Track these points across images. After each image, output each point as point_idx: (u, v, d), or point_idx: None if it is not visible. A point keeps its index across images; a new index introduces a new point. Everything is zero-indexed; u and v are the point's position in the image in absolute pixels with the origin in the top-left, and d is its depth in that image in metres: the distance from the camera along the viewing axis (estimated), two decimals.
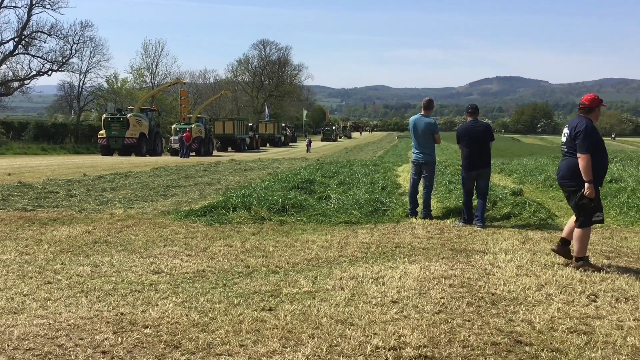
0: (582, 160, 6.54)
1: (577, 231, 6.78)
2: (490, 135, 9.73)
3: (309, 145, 54.67)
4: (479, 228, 9.36)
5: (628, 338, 4.51)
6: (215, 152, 47.42)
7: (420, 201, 10.53)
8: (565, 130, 6.89)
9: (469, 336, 4.52)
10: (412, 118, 10.57)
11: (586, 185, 6.54)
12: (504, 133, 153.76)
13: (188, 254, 7.48)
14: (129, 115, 41.58)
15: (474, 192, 9.81)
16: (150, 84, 78.83)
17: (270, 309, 5.20)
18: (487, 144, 9.68)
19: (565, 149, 6.85)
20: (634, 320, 4.94)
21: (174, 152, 41.98)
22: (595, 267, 6.64)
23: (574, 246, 6.83)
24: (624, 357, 4.14)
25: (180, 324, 4.80)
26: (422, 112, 10.38)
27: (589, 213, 6.68)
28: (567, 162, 6.82)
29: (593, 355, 4.16)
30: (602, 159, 6.70)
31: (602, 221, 6.95)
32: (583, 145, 6.53)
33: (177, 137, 41.35)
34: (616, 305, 5.37)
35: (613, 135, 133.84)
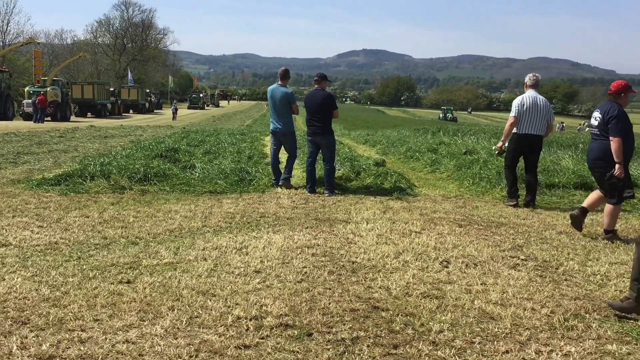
0: (614, 143, 6.90)
1: (608, 207, 7.18)
2: (330, 105, 9.97)
3: (174, 112, 53.24)
4: (327, 195, 9.60)
5: (475, 301, 4.80)
6: (73, 118, 44.89)
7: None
8: (597, 114, 7.19)
9: (329, 304, 4.61)
10: (269, 88, 10.54)
11: (617, 166, 6.91)
12: (369, 105, 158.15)
13: (39, 225, 7.03)
14: None
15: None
16: (1, 43, 73.02)
17: (128, 282, 5.02)
18: (327, 112, 9.92)
19: (597, 132, 7.16)
20: (481, 284, 5.26)
21: (26, 117, 39.20)
22: (620, 239, 7.09)
23: (605, 220, 7.22)
24: (470, 319, 4.40)
25: (29, 299, 4.51)
26: (279, 82, 10.38)
27: (619, 191, 7.09)
28: (600, 144, 7.12)
29: (443, 318, 4.39)
30: (630, 141, 7.10)
31: (632, 196, 7.47)
32: (615, 129, 6.90)
33: (30, 101, 38.68)
34: (466, 270, 5.69)
35: (469, 110, 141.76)
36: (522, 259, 6.13)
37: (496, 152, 10.25)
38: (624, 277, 5.62)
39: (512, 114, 9.15)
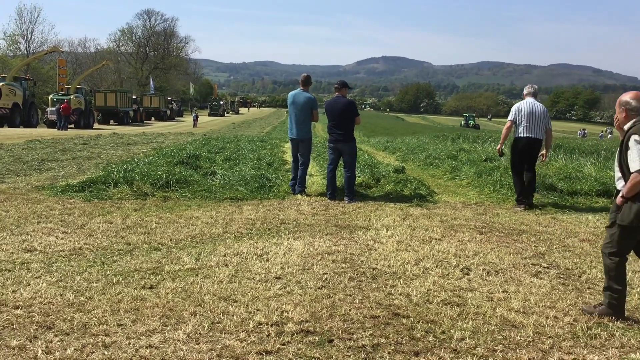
0: None
1: None
2: (352, 112, 9.96)
3: (195, 119, 53.58)
4: (347, 202, 9.61)
5: (497, 309, 4.78)
6: (95, 125, 45.42)
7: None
8: None
9: (350, 310, 4.62)
10: (291, 93, 10.56)
11: None
12: (388, 112, 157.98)
13: (64, 231, 7.14)
14: (0, 84, 38.90)
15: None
16: (25, 52, 74.08)
17: (151, 287, 5.07)
18: (349, 119, 9.91)
19: None
20: (502, 292, 5.24)
21: (50, 124, 39.74)
22: None
23: None
24: (492, 327, 4.38)
25: (54, 304, 4.58)
26: (301, 88, 10.42)
27: None
28: None
29: (465, 325, 4.38)
30: None
31: None
32: None
33: (54, 109, 39.20)
34: (487, 278, 5.68)
35: (489, 116, 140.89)
36: (544, 267, 6.10)
37: (498, 155, 10.85)
38: None
39: (510, 117, 9.80)
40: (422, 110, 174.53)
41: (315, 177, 12.49)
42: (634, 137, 4.53)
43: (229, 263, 5.88)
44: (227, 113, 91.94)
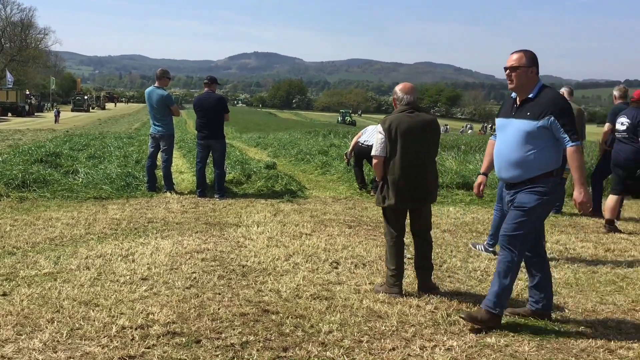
0: None
1: (613, 199, 8.12)
2: (222, 108, 9.82)
3: (57, 115, 50.74)
4: (217, 199, 9.51)
5: (364, 300, 4.90)
6: None
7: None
8: (624, 120, 8.12)
9: (219, 309, 4.55)
10: (147, 90, 10.23)
11: None
12: (261, 108, 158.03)
13: None
14: None
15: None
16: None
17: (4, 294, 4.73)
18: (219, 115, 9.78)
19: (627, 136, 8.04)
20: (369, 283, 5.37)
21: None
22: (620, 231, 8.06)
23: (608, 213, 8.10)
24: (359, 319, 4.48)
25: None
26: (156, 84, 10.13)
27: None
28: (630, 146, 8.02)
29: (333, 318, 4.44)
30: None
31: None
32: None
33: None
34: (355, 270, 5.80)
35: (359, 112, 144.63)
36: (408, 258, 6.31)
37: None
38: None
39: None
40: (294, 106, 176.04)
41: (186, 175, 12.24)
42: (378, 127, 5.10)
43: (91, 266, 5.60)
44: (92, 108, 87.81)
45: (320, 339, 4.07)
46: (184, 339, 3.97)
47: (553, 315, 4.66)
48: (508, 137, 4.44)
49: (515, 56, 4.41)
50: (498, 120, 4.64)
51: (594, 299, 5.21)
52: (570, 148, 4.22)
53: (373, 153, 5.09)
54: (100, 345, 3.82)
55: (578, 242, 7.36)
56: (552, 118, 4.20)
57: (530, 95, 4.35)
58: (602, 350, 4.07)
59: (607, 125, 8.98)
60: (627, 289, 5.52)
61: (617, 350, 4.09)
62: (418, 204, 5.10)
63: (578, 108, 9.10)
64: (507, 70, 4.40)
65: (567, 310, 4.86)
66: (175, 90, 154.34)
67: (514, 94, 4.50)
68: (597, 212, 8.86)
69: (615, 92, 9.36)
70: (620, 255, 6.80)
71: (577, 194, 4.26)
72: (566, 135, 4.20)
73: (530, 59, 4.36)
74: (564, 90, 9.12)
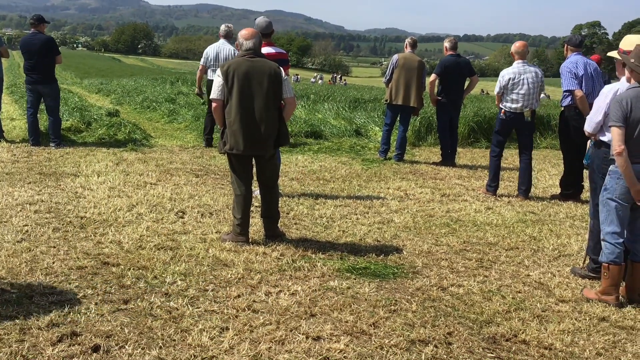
0: None
1: None
2: (52, 49, 9.07)
3: None
4: (53, 148, 8.95)
5: (210, 249, 4.84)
6: None
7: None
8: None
9: (53, 263, 4.30)
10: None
11: None
12: (104, 52, 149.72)
13: None
14: None
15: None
16: None
17: None
18: (49, 58, 9.06)
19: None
20: (216, 232, 5.32)
21: None
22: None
23: None
24: (205, 268, 4.43)
25: None
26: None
27: None
28: None
29: (177, 268, 4.35)
30: None
31: None
32: None
33: None
34: (201, 220, 5.71)
35: None
36: (255, 206, 6.32)
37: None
38: (346, 218, 6.10)
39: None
40: (140, 51, 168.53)
41: (17, 122, 11.36)
42: (217, 71, 5.04)
43: None
44: None
45: (163, 289, 3.98)
46: (14, 295, 3.71)
47: (392, 258, 4.89)
48: None
49: None
50: None
51: (430, 240, 5.53)
52: None
53: (211, 97, 5.05)
54: None
55: (417, 187, 7.75)
56: None
57: None
58: (435, 288, 4.35)
59: (433, 76, 9.43)
60: (460, 231, 5.91)
61: (449, 287, 4.38)
62: (255, 150, 5.00)
63: (420, 60, 9.48)
64: None
65: (405, 252, 5.12)
66: (6, 31, 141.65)
67: None
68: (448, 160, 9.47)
69: (447, 44, 9.71)
70: (455, 200, 7.25)
71: None
72: None
73: None
74: (407, 42, 9.55)
